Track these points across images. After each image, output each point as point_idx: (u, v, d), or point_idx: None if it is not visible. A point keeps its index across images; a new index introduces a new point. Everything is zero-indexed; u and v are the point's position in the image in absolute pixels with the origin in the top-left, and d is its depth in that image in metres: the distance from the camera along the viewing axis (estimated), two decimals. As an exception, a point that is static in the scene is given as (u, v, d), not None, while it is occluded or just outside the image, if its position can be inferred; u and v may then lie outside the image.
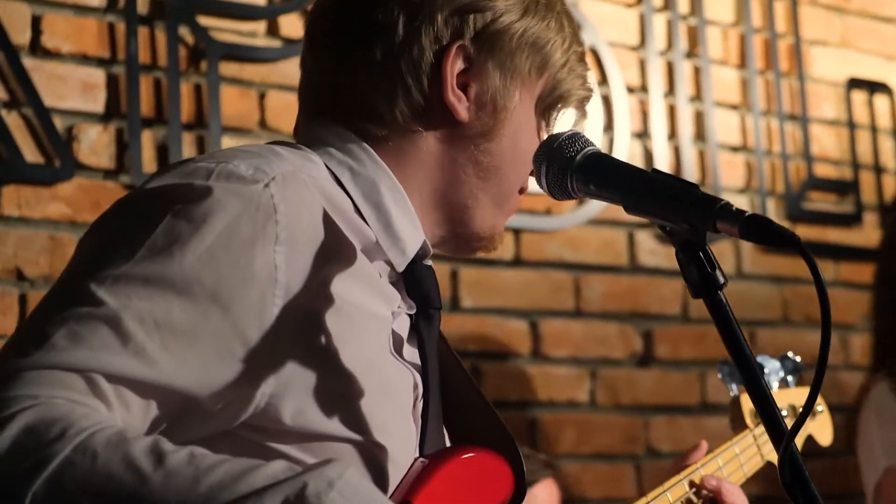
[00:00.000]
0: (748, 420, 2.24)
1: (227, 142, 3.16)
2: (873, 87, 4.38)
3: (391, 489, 1.64)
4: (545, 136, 1.78)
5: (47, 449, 1.36)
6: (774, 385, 2.28)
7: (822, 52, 4.31)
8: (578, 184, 1.63)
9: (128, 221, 1.57)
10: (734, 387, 2.26)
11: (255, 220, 1.54)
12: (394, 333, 1.71)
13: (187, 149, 3.10)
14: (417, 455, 1.68)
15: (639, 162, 3.80)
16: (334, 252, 1.62)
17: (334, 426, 1.59)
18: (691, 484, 2.07)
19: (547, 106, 1.83)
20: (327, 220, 1.62)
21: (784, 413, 2.24)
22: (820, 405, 2.36)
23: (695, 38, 4.02)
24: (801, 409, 1.87)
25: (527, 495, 1.77)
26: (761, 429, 2.23)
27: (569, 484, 3.52)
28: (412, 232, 1.74)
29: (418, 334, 1.72)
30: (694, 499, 2.07)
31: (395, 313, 1.72)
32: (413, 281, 1.73)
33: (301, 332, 1.57)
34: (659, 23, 3.95)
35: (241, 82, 3.22)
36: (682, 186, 1.53)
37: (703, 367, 3.87)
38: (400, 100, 1.74)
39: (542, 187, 1.68)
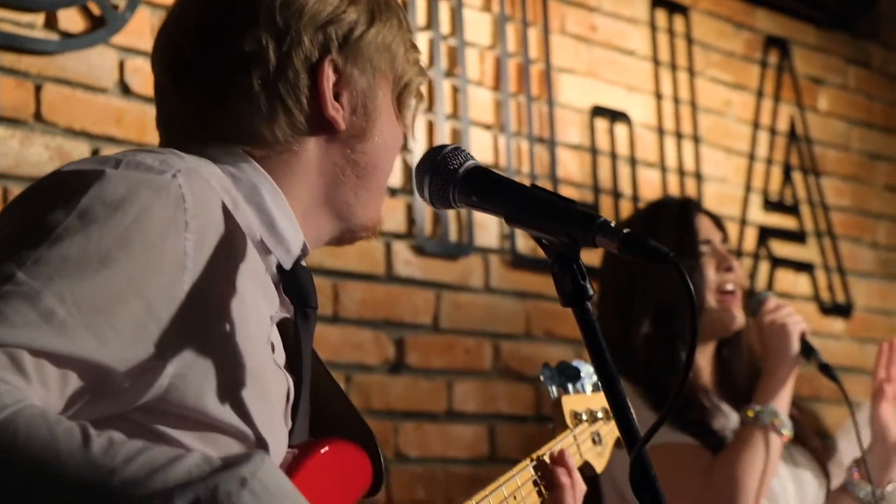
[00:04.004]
0: (569, 421, 2.37)
1: (2, 132, 3.12)
2: (614, 116, 4.61)
3: None
4: (401, 125, 1.90)
5: None
6: (588, 389, 2.41)
7: (570, 80, 4.51)
8: (460, 195, 1.73)
9: (44, 203, 1.59)
10: (554, 389, 2.38)
11: (167, 206, 1.60)
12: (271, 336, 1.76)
13: (-39, 137, 3.05)
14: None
15: (398, 176, 3.91)
16: (234, 247, 1.68)
17: (227, 414, 1.63)
18: (537, 466, 2.21)
19: (398, 95, 1.93)
20: (227, 216, 1.68)
21: (600, 415, 2.39)
22: (609, 435, 2.47)
23: (454, 58, 4.15)
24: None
25: None
26: (580, 429, 2.37)
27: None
28: (294, 234, 1.81)
29: (295, 332, 1.77)
30: (538, 479, 2.21)
31: (273, 317, 1.77)
32: (294, 281, 1.80)
33: (204, 318, 1.62)
34: (422, 41, 4.06)
35: (17, 73, 3.18)
36: (562, 203, 1.63)
37: (451, 376, 4.00)
38: (281, 121, 1.82)
39: (423, 197, 1.77)
